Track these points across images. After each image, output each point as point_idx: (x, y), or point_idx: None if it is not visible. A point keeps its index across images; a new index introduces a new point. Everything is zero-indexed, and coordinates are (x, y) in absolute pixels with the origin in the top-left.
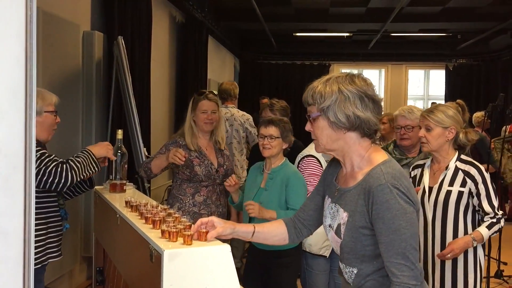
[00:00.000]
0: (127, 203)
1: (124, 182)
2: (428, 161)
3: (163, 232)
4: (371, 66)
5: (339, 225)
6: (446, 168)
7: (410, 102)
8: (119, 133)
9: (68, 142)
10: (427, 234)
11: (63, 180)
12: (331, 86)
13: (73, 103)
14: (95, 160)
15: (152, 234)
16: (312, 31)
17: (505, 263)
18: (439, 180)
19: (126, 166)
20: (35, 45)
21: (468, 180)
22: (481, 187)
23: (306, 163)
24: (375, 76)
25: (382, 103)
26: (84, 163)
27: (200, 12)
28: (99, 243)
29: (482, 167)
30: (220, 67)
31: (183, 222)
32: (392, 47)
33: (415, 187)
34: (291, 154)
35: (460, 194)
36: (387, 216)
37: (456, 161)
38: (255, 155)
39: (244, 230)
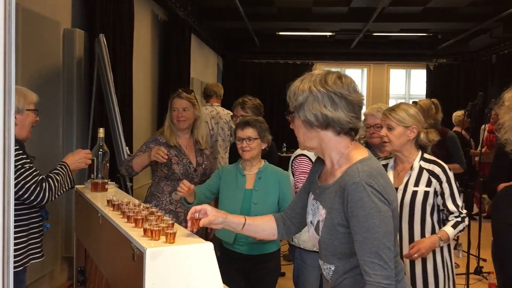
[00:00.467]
0: (109, 202)
1: (106, 181)
2: (391, 162)
3: (145, 230)
4: (354, 65)
5: (318, 222)
6: (411, 168)
7: (392, 101)
8: (101, 132)
9: (48, 141)
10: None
11: (38, 199)
12: (304, 85)
13: (54, 101)
14: (71, 177)
15: (134, 233)
16: (295, 30)
17: (485, 260)
18: (404, 181)
19: (108, 165)
20: (14, 43)
21: (433, 180)
22: (445, 186)
23: (297, 162)
24: (358, 76)
25: (364, 101)
26: (62, 181)
27: (183, 11)
28: (80, 243)
29: (446, 166)
30: (203, 66)
31: (166, 220)
32: (374, 47)
33: None
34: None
35: (426, 194)
36: (361, 214)
37: (420, 160)
38: (234, 154)
39: (235, 221)
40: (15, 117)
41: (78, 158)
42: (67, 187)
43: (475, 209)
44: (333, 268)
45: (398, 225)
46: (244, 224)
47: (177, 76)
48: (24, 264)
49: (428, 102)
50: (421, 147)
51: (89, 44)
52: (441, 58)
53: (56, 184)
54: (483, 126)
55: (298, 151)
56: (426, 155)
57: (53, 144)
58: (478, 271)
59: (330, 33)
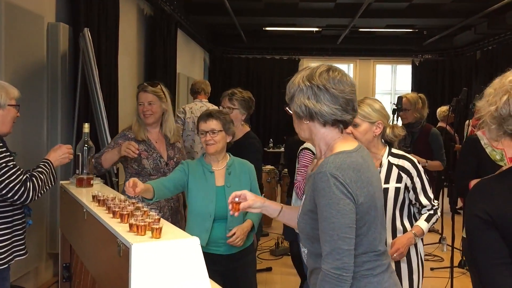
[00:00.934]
0: (94, 197)
1: (91, 176)
2: None
3: (131, 226)
4: (340, 61)
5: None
6: (380, 165)
7: (377, 97)
8: (86, 127)
9: (32, 137)
10: None
11: (22, 199)
12: (295, 78)
13: (38, 96)
14: (54, 174)
15: (120, 228)
16: (281, 25)
17: None
18: None
19: (93, 160)
20: None
21: (403, 175)
22: (416, 180)
23: (301, 155)
24: (344, 71)
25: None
26: (46, 179)
27: (169, 5)
28: (66, 239)
29: (415, 159)
30: (190, 61)
31: (152, 216)
32: (361, 43)
33: None
34: (245, 147)
35: (397, 190)
36: (321, 203)
37: (388, 156)
38: None
39: (273, 208)
40: None
41: (61, 154)
42: (50, 185)
43: (459, 203)
44: (306, 252)
45: (378, 221)
46: (281, 211)
47: (164, 71)
48: (8, 262)
49: (415, 96)
50: (388, 143)
51: (73, 38)
52: (427, 54)
53: (40, 183)
54: (467, 122)
55: (304, 145)
56: (394, 150)
57: (37, 139)
58: (462, 264)
59: (316, 29)
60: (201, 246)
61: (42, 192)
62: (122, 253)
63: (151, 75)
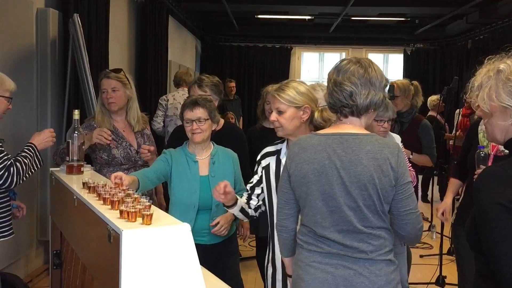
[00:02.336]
0: (84, 184)
1: (82, 163)
2: (283, 148)
3: (121, 212)
4: (332, 49)
5: None
6: None
7: None
8: (76, 114)
9: (22, 123)
10: None
11: (7, 184)
12: None
13: (27, 83)
14: (39, 157)
15: (110, 215)
16: (274, 13)
17: None
18: None
19: (83, 147)
20: None
21: None
22: None
23: None
24: (336, 60)
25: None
26: (30, 163)
27: None
28: (56, 226)
29: None
30: (181, 49)
31: (143, 202)
32: (353, 31)
33: (269, 178)
34: (233, 137)
35: None
36: None
37: None
38: (175, 140)
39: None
40: None
41: (45, 137)
42: (35, 168)
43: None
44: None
45: (317, 195)
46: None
47: (155, 58)
48: None
49: (406, 82)
50: (317, 128)
51: (63, 24)
52: (418, 43)
53: (24, 167)
54: (457, 110)
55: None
56: None
57: (27, 126)
58: (451, 252)
59: (309, 17)
60: (197, 237)
61: (26, 176)
62: (113, 240)
63: (142, 62)
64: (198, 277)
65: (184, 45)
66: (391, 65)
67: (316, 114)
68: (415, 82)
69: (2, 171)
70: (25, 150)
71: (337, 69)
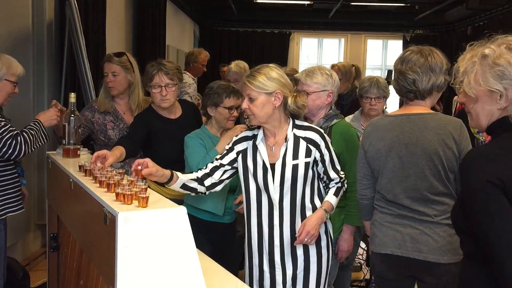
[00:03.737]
0: (80, 167)
1: (78, 147)
2: (259, 133)
3: (117, 195)
4: (331, 35)
5: None
6: (285, 139)
7: (368, 72)
8: (72, 97)
9: (18, 107)
10: (273, 219)
11: (16, 153)
12: None
13: (23, 65)
14: (45, 132)
15: (106, 197)
16: None
17: None
18: (281, 155)
19: (79, 130)
20: None
21: (312, 148)
22: (325, 152)
23: None
24: (335, 46)
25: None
26: (36, 135)
27: None
28: (53, 209)
29: (321, 130)
30: (180, 33)
31: (139, 185)
32: (352, 17)
33: (246, 162)
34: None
35: (307, 165)
36: None
37: (293, 129)
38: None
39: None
40: None
41: (50, 115)
42: (42, 142)
43: None
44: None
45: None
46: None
47: (153, 42)
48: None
49: (348, 65)
50: (292, 114)
51: (59, 7)
52: (418, 29)
53: (32, 138)
54: (455, 97)
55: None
56: (297, 122)
57: (23, 109)
58: None
59: (308, 2)
60: (218, 216)
61: (34, 147)
62: (109, 222)
63: (140, 47)
64: (194, 259)
65: (182, 30)
66: (390, 51)
67: (290, 100)
68: (356, 65)
69: (10, 140)
70: (31, 124)
71: (401, 60)
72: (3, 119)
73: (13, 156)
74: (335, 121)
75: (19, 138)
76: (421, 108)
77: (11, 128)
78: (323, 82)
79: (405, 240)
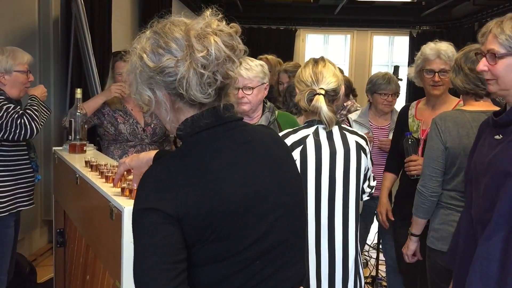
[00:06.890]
0: (87, 163)
1: (84, 143)
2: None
3: (123, 189)
4: (337, 31)
5: None
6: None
7: (374, 69)
8: (78, 93)
9: (24, 103)
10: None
11: (29, 131)
12: None
13: None
14: (44, 104)
15: (112, 192)
16: None
17: None
18: None
19: (86, 126)
20: None
21: None
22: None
23: None
24: (341, 42)
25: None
26: (40, 110)
27: None
28: (59, 205)
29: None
30: None
31: None
32: (358, 13)
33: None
34: None
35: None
36: None
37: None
38: None
39: None
40: (4, 77)
41: (42, 91)
42: (46, 114)
43: None
44: None
45: None
46: None
47: None
48: (9, 210)
49: (275, 59)
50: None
51: (65, 4)
52: (425, 26)
53: (37, 113)
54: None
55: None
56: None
57: None
58: None
59: None
60: None
61: (42, 122)
62: (115, 217)
63: None
64: None
65: None
66: (396, 47)
67: None
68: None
69: (20, 119)
70: (29, 102)
71: (465, 56)
72: (10, 104)
73: (28, 135)
74: (276, 112)
75: (25, 117)
76: (490, 105)
77: (17, 109)
78: (261, 75)
79: None
